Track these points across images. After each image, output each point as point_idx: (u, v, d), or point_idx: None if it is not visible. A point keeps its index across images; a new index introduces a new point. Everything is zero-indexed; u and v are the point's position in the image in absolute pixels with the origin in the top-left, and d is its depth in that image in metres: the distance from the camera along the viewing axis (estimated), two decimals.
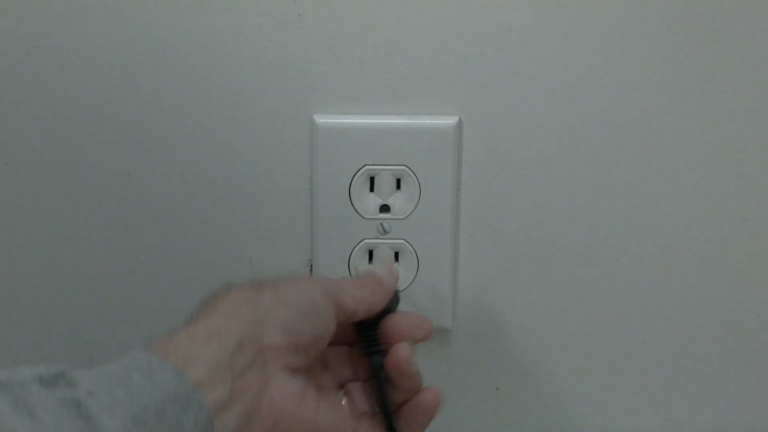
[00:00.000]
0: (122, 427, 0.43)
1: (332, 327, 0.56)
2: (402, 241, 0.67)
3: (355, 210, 0.67)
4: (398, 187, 0.67)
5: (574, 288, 0.70)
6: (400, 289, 0.64)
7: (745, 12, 0.64)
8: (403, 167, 0.66)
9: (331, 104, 0.66)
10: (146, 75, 0.65)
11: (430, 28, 0.64)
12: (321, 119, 0.66)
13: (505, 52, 0.65)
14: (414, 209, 0.67)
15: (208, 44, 0.65)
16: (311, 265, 0.69)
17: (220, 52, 0.65)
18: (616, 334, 0.71)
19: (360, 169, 0.66)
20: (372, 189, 0.67)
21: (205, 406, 0.47)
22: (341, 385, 0.60)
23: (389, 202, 0.67)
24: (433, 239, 0.67)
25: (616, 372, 0.72)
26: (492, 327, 0.71)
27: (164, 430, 0.45)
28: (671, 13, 0.64)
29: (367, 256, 0.68)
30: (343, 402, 0.60)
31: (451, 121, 0.66)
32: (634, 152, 0.67)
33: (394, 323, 0.58)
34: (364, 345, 0.58)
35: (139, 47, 0.65)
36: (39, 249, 0.69)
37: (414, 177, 0.66)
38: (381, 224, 0.67)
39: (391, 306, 0.58)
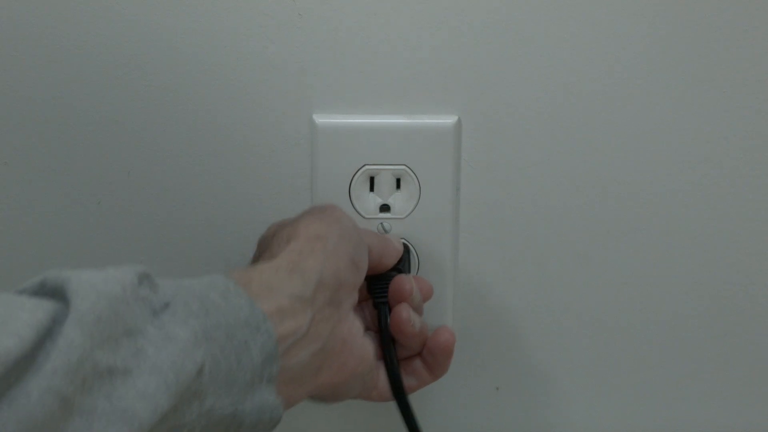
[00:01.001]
0: (193, 338, 0.44)
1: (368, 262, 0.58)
2: (402, 240, 0.67)
3: (355, 210, 0.67)
4: (398, 186, 0.67)
5: (574, 288, 0.70)
6: None
7: (746, 11, 0.64)
8: (403, 167, 0.66)
9: (331, 104, 0.66)
10: (146, 75, 0.65)
11: (430, 28, 0.64)
12: (321, 119, 0.66)
13: (505, 52, 0.65)
14: (414, 209, 0.67)
15: (208, 44, 0.65)
16: None
17: (219, 51, 0.65)
18: (616, 334, 0.71)
19: (360, 168, 0.66)
20: (372, 189, 0.67)
21: (273, 335, 0.47)
22: None
23: (389, 201, 0.67)
24: (433, 239, 0.67)
25: (615, 372, 0.72)
26: (492, 327, 0.71)
27: (231, 350, 0.45)
28: (672, 12, 0.64)
29: None
30: None
31: (450, 120, 0.66)
32: (634, 152, 0.67)
33: (396, 283, 0.60)
34: (373, 296, 0.61)
35: (139, 47, 0.65)
36: (39, 249, 0.69)
37: (414, 177, 0.66)
38: (381, 224, 0.67)
39: (402, 263, 0.63)
